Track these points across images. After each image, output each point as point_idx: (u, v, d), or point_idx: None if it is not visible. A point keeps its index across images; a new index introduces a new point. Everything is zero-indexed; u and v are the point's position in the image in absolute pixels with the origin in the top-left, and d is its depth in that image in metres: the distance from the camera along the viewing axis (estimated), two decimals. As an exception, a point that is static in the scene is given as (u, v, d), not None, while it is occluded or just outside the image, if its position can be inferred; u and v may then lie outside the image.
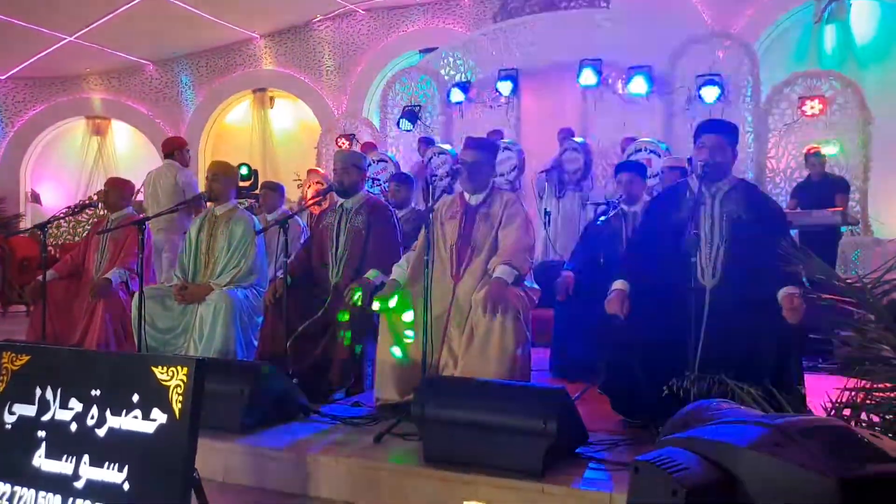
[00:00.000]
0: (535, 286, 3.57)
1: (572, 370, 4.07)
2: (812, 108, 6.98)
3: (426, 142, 8.20)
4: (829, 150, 6.75)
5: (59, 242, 11.56)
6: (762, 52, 8.84)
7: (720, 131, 3.12)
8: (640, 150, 6.62)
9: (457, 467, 2.51)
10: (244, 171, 9.22)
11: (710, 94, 7.07)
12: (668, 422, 2.02)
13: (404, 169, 8.09)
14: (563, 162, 6.62)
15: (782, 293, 2.82)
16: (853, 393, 2.05)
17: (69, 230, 12.14)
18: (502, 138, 7.55)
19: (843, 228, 6.17)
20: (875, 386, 2.02)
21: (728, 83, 7.22)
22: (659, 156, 6.51)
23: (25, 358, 2.57)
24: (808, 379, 2.90)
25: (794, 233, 5.59)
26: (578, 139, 6.84)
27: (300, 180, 9.62)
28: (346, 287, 3.79)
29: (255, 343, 4.05)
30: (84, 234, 10.92)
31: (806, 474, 1.46)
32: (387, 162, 8.09)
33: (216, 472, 2.85)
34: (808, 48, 9.27)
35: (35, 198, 13.42)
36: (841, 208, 5.91)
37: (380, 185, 7.65)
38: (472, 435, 2.52)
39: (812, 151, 6.48)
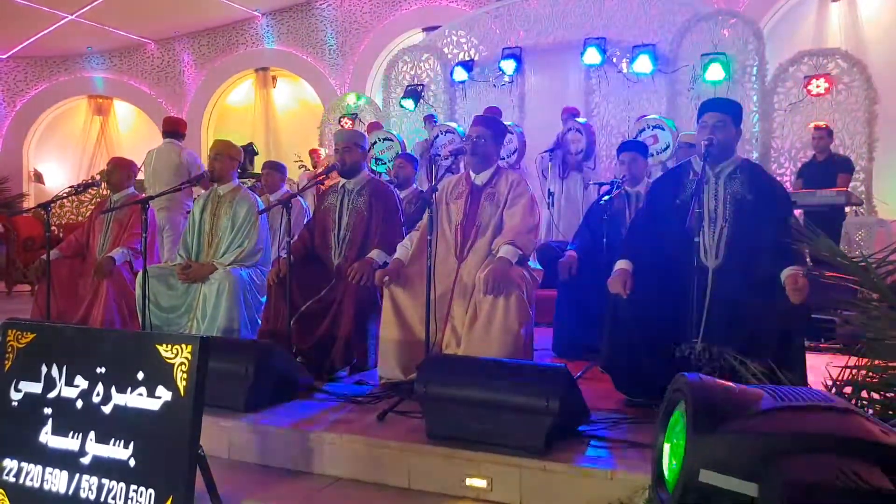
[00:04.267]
0: (539, 266, 3.58)
1: (575, 350, 4.09)
2: (818, 86, 6.92)
3: (431, 120, 8.15)
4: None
5: (63, 222, 11.58)
6: (768, 30, 8.75)
7: (721, 110, 3.10)
8: (644, 129, 6.58)
9: (460, 445, 2.53)
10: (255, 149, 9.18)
11: (714, 72, 7.01)
12: (669, 398, 1.86)
13: (408, 148, 8.08)
14: (567, 142, 6.58)
15: (786, 273, 2.82)
16: (854, 371, 2.06)
17: (72, 209, 12.17)
18: (500, 115, 7.49)
19: (848, 208, 6.15)
20: (876, 364, 2.03)
21: (733, 62, 7.15)
22: (664, 130, 6.46)
23: (31, 336, 2.59)
24: (810, 358, 2.91)
25: (798, 213, 5.58)
26: (581, 120, 6.80)
27: (301, 161, 9.61)
28: (349, 267, 3.80)
29: (259, 322, 4.07)
30: (87, 214, 10.96)
31: None
32: (392, 140, 8.06)
33: (220, 450, 2.88)
34: (815, 26, 9.17)
35: (38, 177, 13.42)
36: (844, 188, 5.88)
37: (384, 164, 7.63)
38: (474, 413, 2.54)
39: (821, 127, 6.42)
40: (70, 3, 10.89)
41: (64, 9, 11.05)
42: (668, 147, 6.38)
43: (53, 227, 8.78)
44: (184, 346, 2.26)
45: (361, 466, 2.66)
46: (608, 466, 2.34)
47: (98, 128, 13.56)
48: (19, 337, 2.61)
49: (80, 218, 11.63)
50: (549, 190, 6.60)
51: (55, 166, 13.56)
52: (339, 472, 2.70)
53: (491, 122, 3.69)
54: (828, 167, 6.27)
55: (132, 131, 13.48)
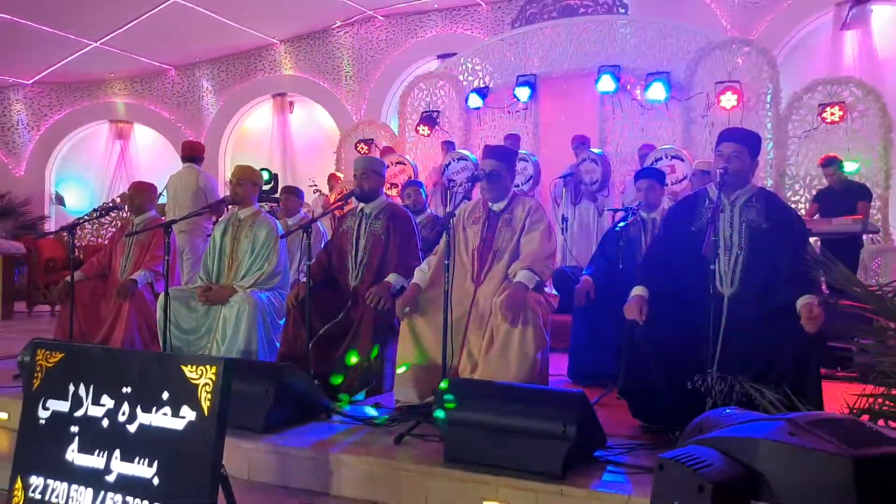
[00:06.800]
0: (555, 292, 3.61)
1: (590, 376, 4.10)
2: (832, 115, 6.95)
3: (449, 146, 8.24)
4: (849, 166, 6.67)
5: (83, 244, 11.74)
6: (782, 58, 8.81)
7: (738, 140, 3.14)
8: (661, 159, 6.62)
9: (477, 468, 2.56)
10: (265, 175, 9.36)
11: (728, 100, 7.07)
12: (684, 432, 2.08)
13: (423, 173, 8.16)
14: (581, 172, 6.64)
15: (801, 302, 2.83)
16: (871, 399, 2.07)
17: (93, 232, 12.33)
18: (519, 142, 7.58)
19: (865, 236, 6.13)
20: (893, 392, 2.04)
21: (747, 90, 7.21)
22: (683, 161, 6.51)
23: (59, 355, 2.64)
24: (826, 387, 2.91)
25: (814, 240, 5.58)
26: (597, 150, 6.85)
27: (316, 186, 9.74)
28: (366, 291, 3.85)
29: (277, 344, 4.12)
30: (107, 236, 11.11)
31: (821, 456, 1.56)
32: (405, 164, 8.15)
33: (240, 470, 2.91)
34: (829, 54, 9.23)
35: (59, 200, 13.64)
36: (861, 216, 5.88)
37: (397, 187, 7.71)
38: (492, 437, 2.56)
39: (825, 160, 6.42)
40: (94, 31, 11.18)
41: (88, 36, 11.34)
42: (685, 178, 6.42)
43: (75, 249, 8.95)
44: (208, 367, 2.30)
45: (379, 488, 2.69)
46: (625, 492, 2.35)
47: (118, 152, 13.80)
48: (48, 356, 2.66)
49: (100, 240, 11.79)
50: (563, 216, 6.64)
51: (76, 189, 13.80)
52: (356, 494, 2.72)
53: (502, 153, 3.72)
54: (845, 194, 6.26)
55: (152, 155, 13.70)
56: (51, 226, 12.81)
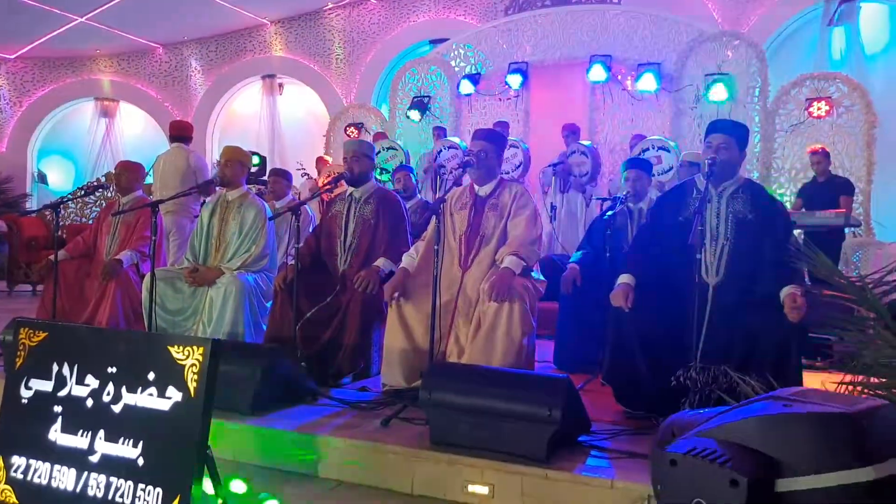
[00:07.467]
0: (542, 278, 3.63)
1: (575, 362, 4.13)
2: (819, 109, 7.02)
3: (440, 132, 8.22)
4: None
5: (66, 223, 11.62)
6: (771, 52, 8.86)
7: (727, 132, 3.16)
8: (648, 149, 6.66)
9: (462, 451, 2.58)
10: (255, 160, 9.30)
11: (717, 93, 7.10)
12: (657, 438, 2.04)
13: (413, 158, 8.15)
14: (570, 164, 6.67)
15: (785, 292, 2.87)
16: (850, 388, 2.11)
17: (77, 211, 12.19)
18: (508, 129, 7.58)
19: (846, 230, 6.22)
20: (870, 380, 2.08)
21: (736, 83, 7.25)
22: (669, 152, 6.55)
23: (43, 334, 2.62)
24: (806, 377, 2.96)
25: (798, 233, 5.65)
26: (586, 142, 6.86)
27: (303, 169, 9.69)
28: (355, 275, 3.85)
29: (264, 327, 4.11)
30: (91, 216, 10.99)
31: (822, 418, 1.62)
32: (396, 150, 8.12)
33: (226, 452, 2.91)
34: (817, 50, 9.29)
35: (41, 178, 13.46)
36: (844, 210, 5.96)
37: (388, 172, 7.70)
38: (478, 420, 2.58)
39: (816, 150, 6.50)
40: (80, 5, 10.98)
41: (74, 11, 11.14)
42: (671, 169, 6.46)
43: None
44: (195, 347, 2.29)
45: (366, 471, 2.70)
46: (608, 476, 2.39)
47: (104, 130, 13.62)
48: (31, 335, 2.63)
49: (83, 219, 11.66)
50: (551, 204, 6.67)
51: (59, 167, 13.61)
52: (342, 476, 2.74)
53: (492, 135, 3.74)
54: (828, 188, 6.34)
55: (138, 134, 13.54)
56: (33, 204, 12.62)
